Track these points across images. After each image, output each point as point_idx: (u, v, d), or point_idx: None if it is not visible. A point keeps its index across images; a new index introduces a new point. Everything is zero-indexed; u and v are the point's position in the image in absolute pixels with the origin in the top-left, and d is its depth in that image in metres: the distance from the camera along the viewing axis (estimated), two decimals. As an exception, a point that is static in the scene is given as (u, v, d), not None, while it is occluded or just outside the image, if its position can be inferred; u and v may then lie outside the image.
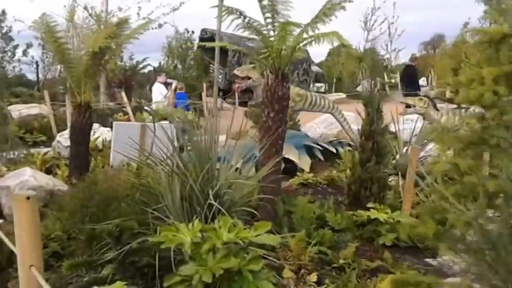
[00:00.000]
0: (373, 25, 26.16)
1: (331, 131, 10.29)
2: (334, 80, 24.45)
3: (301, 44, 4.03)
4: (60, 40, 5.89)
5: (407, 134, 10.89)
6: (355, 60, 27.12)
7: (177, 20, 22.33)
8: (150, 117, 9.95)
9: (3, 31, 18.64)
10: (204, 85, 19.51)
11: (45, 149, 8.71)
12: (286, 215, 4.40)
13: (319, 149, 8.10)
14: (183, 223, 2.75)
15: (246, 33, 4.48)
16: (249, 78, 7.40)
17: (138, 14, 13.58)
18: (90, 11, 12.87)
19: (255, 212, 3.66)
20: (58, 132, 10.66)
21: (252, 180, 3.79)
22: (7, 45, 18.70)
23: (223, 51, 23.13)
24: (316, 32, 4.23)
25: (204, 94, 18.66)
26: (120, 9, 13.38)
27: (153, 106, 10.84)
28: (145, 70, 20.53)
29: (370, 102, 4.87)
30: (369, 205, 4.68)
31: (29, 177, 5.05)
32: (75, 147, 6.29)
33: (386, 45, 34.57)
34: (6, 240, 2.38)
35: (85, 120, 6.25)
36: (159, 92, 11.39)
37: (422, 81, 39.69)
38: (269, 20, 4.12)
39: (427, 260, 4.47)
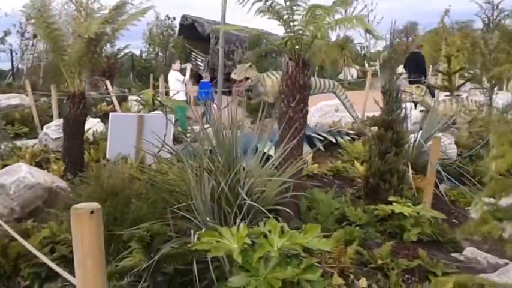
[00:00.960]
0: (352, 12, 26.04)
1: (326, 120, 10.08)
2: (316, 68, 24.23)
3: (322, 29, 3.74)
4: (52, 25, 5.47)
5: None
6: (337, 48, 26.97)
7: (157, 6, 21.55)
8: (140, 107, 9.54)
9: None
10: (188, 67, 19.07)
11: (31, 142, 8.25)
12: (308, 210, 4.17)
13: (319, 139, 7.87)
14: (224, 227, 2.47)
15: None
16: (247, 79, 7.07)
17: (121, -1, 12.97)
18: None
19: (284, 209, 3.41)
20: (40, 123, 10.18)
21: (280, 176, 3.51)
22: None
23: (206, 38, 22.72)
24: (337, 16, 3.98)
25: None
26: (102, -6, 12.80)
27: (173, 96, 10.41)
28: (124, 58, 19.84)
29: (389, 91, 4.65)
30: (390, 198, 4.48)
31: (25, 173, 4.66)
32: (68, 141, 5.91)
33: (365, 32, 34.70)
34: (44, 258, 2.02)
35: (79, 111, 5.87)
36: (175, 79, 11.01)
37: (400, 68, 40.04)
38: (290, 3, 3.82)
39: (453, 255, 4.32)
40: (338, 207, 4.42)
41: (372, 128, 9.62)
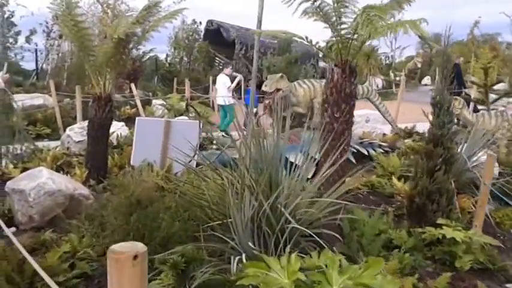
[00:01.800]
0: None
1: (356, 131, 9.69)
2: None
3: (379, 30, 3.38)
4: (80, 25, 5.23)
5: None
6: (363, 56, 26.45)
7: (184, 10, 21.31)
8: (165, 111, 9.28)
9: (6, 16, 17.64)
10: (211, 78, 18.86)
11: (53, 143, 8.05)
12: (351, 231, 3.79)
13: (352, 151, 7.49)
14: (272, 257, 2.13)
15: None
16: (278, 90, 6.73)
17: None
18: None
19: (329, 232, 3.05)
20: (63, 125, 10.01)
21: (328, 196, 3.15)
22: (9, 31, 17.76)
23: (230, 44, 22.52)
24: (391, 20, 3.63)
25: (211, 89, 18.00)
26: (129, -5, 12.62)
27: (220, 99, 10.20)
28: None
29: (440, 103, 4.26)
30: (440, 221, 4.08)
31: (46, 179, 4.39)
32: (93, 145, 5.66)
33: (391, 42, 34.11)
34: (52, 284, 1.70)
35: (105, 115, 5.63)
36: (222, 83, 10.85)
37: (426, 79, 39.31)
38: (339, 4, 3.49)
39: (507, 286, 3.91)
40: (383, 229, 4.04)
41: (406, 140, 9.21)
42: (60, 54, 13.47)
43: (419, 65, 37.07)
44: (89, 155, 5.70)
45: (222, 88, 10.79)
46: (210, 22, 22.42)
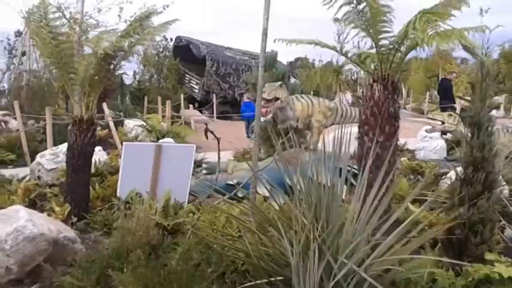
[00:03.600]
0: (345, 38, 25.49)
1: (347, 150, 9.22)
2: (312, 92, 23.48)
3: (439, 41, 2.88)
4: (59, 37, 4.54)
5: (424, 153, 10.07)
6: (332, 73, 26.35)
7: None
8: (144, 132, 8.55)
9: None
10: (182, 96, 18.17)
11: (21, 171, 7.17)
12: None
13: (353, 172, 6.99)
14: None
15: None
16: (276, 99, 6.19)
17: (119, 16, 12.11)
18: (63, 11, 11.33)
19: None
20: (29, 150, 9.12)
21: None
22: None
23: (202, 61, 21.89)
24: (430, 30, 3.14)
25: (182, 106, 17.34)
26: (99, 10, 11.91)
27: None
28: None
29: (480, 123, 3.80)
30: (488, 256, 3.59)
31: (25, 221, 3.63)
32: (73, 175, 4.92)
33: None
34: None
35: (87, 140, 4.92)
36: None
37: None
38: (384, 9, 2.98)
39: None
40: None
41: (402, 159, 8.79)
42: (21, 73, 12.57)
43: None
44: (68, 187, 4.95)
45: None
46: (179, 38, 21.74)
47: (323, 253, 2.08)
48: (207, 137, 5.12)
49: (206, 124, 4.84)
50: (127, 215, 4.27)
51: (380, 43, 3.08)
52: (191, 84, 22.64)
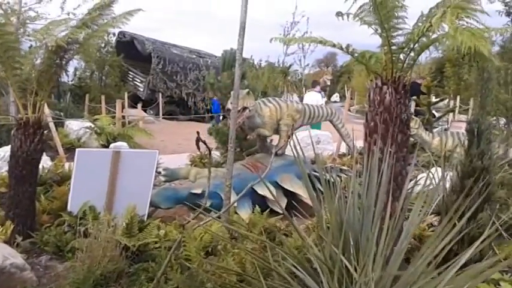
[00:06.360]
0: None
1: (307, 153, 8.92)
2: (260, 94, 23.19)
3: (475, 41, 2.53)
4: (3, 28, 3.85)
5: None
6: (279, 74, 26.17)
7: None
8: (93, 135, 7.79)
9: None
10: (126, 94, 17.26)
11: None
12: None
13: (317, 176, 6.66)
14: None
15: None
16: (244, 109, 5.69)
17: (61, 8, 11.14)
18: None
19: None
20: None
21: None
22: None
23: (147, 58, 20.95)
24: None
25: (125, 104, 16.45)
26: (40, 1, 10.86)
27: None
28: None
29: (480, 130, 3.54)
30: (494, 276, 3.33)
31: (-40, 248, 2.98)
32: (17, 187, 4.24)
33: (300, 60, 34.57)
34: None
35: (34, 146, 4.25)
36: (315, 101, 9.82)
37: (335, 96, 40.30)
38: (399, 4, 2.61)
39: None
40: None
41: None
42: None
43: (328, 82, 37.86)
44: (11, 201, 4.25)
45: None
46: (122, 34, 20.63)
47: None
48: (198, 148, 4.56)
49: (198, 133, 4.27)
50: (81, 234, 3.70)
51: (393, 40, 2.71)
52: (135, 82, 21.64)
